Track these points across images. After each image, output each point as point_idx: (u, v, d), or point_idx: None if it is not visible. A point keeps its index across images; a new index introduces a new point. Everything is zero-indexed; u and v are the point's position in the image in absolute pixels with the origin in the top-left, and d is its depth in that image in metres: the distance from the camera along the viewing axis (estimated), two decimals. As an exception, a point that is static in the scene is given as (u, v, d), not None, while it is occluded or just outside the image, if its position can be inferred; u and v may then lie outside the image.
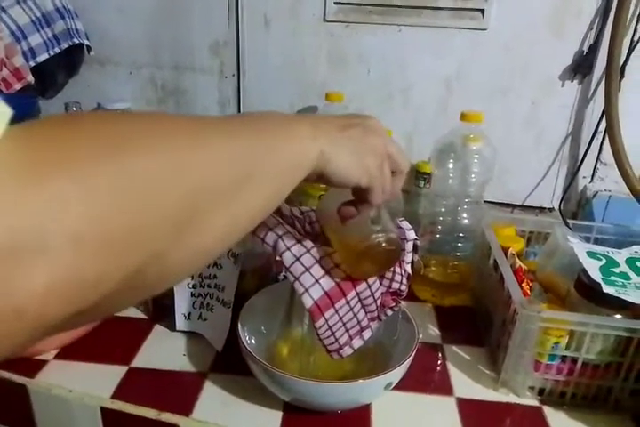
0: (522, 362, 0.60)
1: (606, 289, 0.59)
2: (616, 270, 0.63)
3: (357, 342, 0.56)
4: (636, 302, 0.58)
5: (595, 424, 0.59)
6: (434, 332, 0.74)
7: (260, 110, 1.01)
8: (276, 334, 0.64)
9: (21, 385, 0.61)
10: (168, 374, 0.64)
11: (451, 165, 0.79)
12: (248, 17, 0.98)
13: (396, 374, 0.56)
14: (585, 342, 0.58)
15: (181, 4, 1.00)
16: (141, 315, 0.75)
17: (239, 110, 1.07)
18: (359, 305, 0.54)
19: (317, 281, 0.51)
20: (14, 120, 0.21)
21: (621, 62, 0.84)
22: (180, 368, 0.65)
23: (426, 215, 0.83)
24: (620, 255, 0.67)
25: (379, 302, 0.55)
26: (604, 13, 0.85)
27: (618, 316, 0.59)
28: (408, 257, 0.58)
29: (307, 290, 0.51)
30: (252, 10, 0.98)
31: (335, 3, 0.93)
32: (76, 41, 1.02)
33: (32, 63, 0.97)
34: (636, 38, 0.84)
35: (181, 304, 0.70)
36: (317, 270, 0.52)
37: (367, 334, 0.57)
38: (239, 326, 0.60)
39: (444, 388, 0.64)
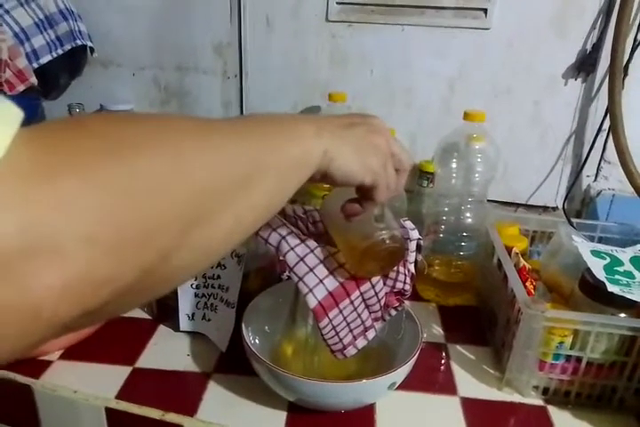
0: (526, 361, 0.60)
1: (611, 288, 0.59)
2: (620, 269, 0.63)
3: (361, 342, 0.56)
4: (640, 301, 0.57)
5: (599, 424, 0.59)
6: (438, 331, 0.74)
7: (262, 111, 1.01)
8: (280, 334, 0.65)
9: (26, 386, 0.62)
10: (172, 375, 0.64)
11: (454, 165, 0.78)
12: (250, 17, 0.98)
13: (400, 373, 0.56)
14: (589, 342, 0.58)
15: (184, 5, 1.00)
16: (145, 315, 0.75)
17: (242, 111, 1.07)
18: (363, 305, 0.54)
19: (321, 281, 0.52)
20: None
21: (625, 61, 0.83)
22: (184, 369, 0.65)
23: (429, 215, 0.83)
24: (625, 254, 0.67)
25: (382, 301, 0.55)
26: (607, 12, 0.84)
27: (622, 315, 0.59)
28: (412, 257, 0.58)
29: (311, 290, 0.51)
30: (254, 10, 0.98)
31: (337, 3, 0.93)
32: (79, 42, 1.02)
33: (35, 65, 0.97)
34: (639, 37, 0.84)
35: (185, 305, 0.70)
36: (321, 270, 0.52)
37: (371, 334, 0.57)
38: (243, 326, 0.61)
39: (449, 388, 0.64)
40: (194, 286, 0.69)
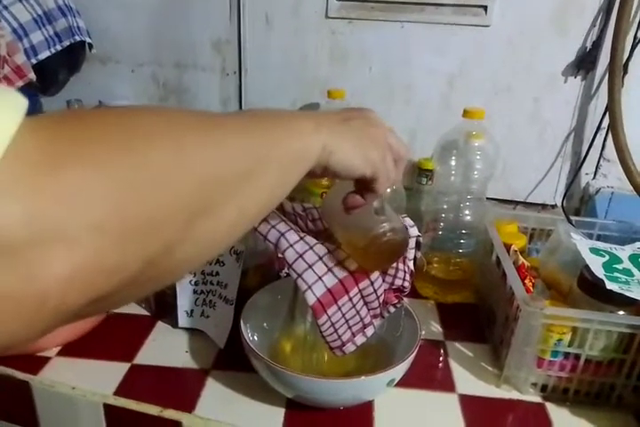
0: (524, 359, 0.60)
1: (609, 286, 0.59)
2: (619, 267, 0.63)
3: (360, 339, 0.56)
4: (638, 299, 0.57)
5: (597, 421, 0.59)
6: (436, 329, 0.74)
7: (261, 107, 1.01)
8: (279, 330, 0.65)
9: (24, 382, 0.62)
10: (171, 371, 0.64)
11: (453, 162, 0.78)
12: (250, 14, 0.98)
13: (399, 370, 0.56)
14: (588, 339, 0.58)
15: (183, 1, 1.00)
16: (144, 312, 0.75)
17: (241, 108, 1.06)
18: (362, 302, 0.54)
19: (320, 278, 0.51)
20: None
21: (624, 59, 0.83)
22: (182, 365, 0.65)
23: (428, 212, 0.83)
24: (623, 252, 0.67)
25: (381, 298, 0.55)
26: (607, 10, 0.84)
27: (621, 312, 0.59)
28: (411, 254, 0.58)
29: (309, 287, 0.51)
30: (253, 7, 0.97)
31: (337, -1, 0.93)
32: (78, 38, 1.02)
33: (34, 61, 0.96)
34: (639, 35, 0.84)
35: (184, 301, 0.70)
36: (320, 267, 0.52)
37: (370, 331, 0.57)
38: (242, 322, 0.60)
39: (447, 384, 0.64)
40: (192, 282, 0.69)
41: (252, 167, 0.32)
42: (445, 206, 0.81)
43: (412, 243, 0.57)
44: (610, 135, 0.86)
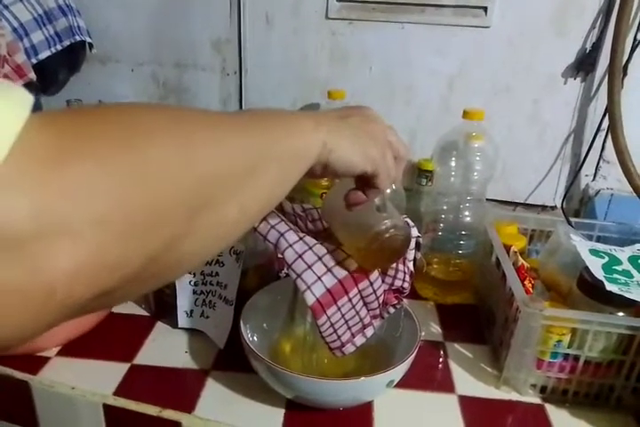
0: (524, 360, 0.60)
1: (609, 287, 0.59)
2: (619, 268, 0.63)
3: (360, 340, 0.56)
4: (638, 300, 0.57)
5: (596, 422, 0.59)
6: (436, 330, 0.74)
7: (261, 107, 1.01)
8: (279, 331, 0.65)
9: (24, 382, 0.62)
10: (170, 372, 0.64)
11: (453, 163, 0.79)
12: (250, 14, 0.98)
13: (399, 371, 0.56)
14: (587, 340, 0.58)
15: (183, 1, 1.00)
16: (144, 312, 0.75)
17: (241, 108, 1.06)
18: (361, 303, 0.54)
19: (319, 278, 0.51)
20: None
21: (624, 60, 0.83)
22: (182, 366, 0.65)
23: (428, 213, 0.83)
24: (623, 253, 0.67)
25: (381, 299, 0.55)
26: (606, 11, 0.84)
27: (620, 314, 0.59)
28: (410, 255, 0.58)
29: (309, 287, 0.51)
30: (253, 7, 0.97)
31: (338, 0, 0.93)
32: (78, 38, 1.02)
33: (34, 60, 0.96)
34: (639, 36, 0.84)
35: (184, 302, 0.70)
36: (320, 268, 0.52)
37: (369, 332, 0.57)
38: (241, 323, 0.60)
39: (446, 386, 0.64)
40: (192, 282, 0.69)
41: (253, 165, 0.32)
42: (445, 207, 0.81)
43: (411, 244, 0.57)
44: (609, 137, 0.86)
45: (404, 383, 0.60)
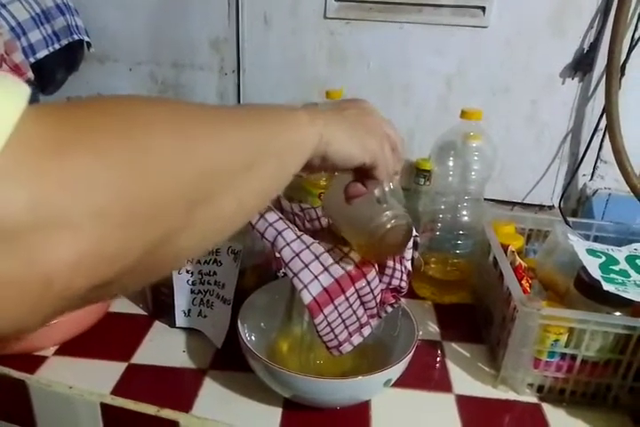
0: (521, 359, 0.60)
1: (606, 287, 0.59)
2: (616, 268, 0.63)
3: (357, 339, 0.56)
4: (635, 300, 0.58)
5: (593, 421, 0.59)
6: (433, 329, 0.74)
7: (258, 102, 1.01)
8: (276, 330, 0.65)
9: (21, 381, 0.61)
10: (168, 371, 0.64)
11: (451, 163, 0.79)
12: (248, 13, 0.98)
13: (396, 370, 0.56)
14: (584, 340, 0.58)
15: (181, 0, 1.00)
16: (141, 311, 0.75)
17: (239, 107, 1.06)
18: (358, 302, 0.54)
19: (316, 277, 0.52)
20: None
21: (622, 60, 0.83)
22: (179, 365, 0.65)
23: (426, 213, 0.83)
24: (620, 253, 0.67)
25: (378, 298, 0.55)
26: (604, 11, 0.85)
27: (617, 313, 0.59)
28: (408, 254, 0.58)
29: (305, 286, 0.51)
30: (252, 6, 0.97)
31: (336, 0, 0.93)
32: (76, 37, 1.02)
33: (32, 59, 0.96)
34: (636, 36, 0.84)
35: (181, 301, 0.70)
36: (316, 267, 0.52)
37: (367, 331, 0.57)
38: (239, 322, 0.61)
39: (444, 385, 0.64)
40: (190, 282, 0.69)
41: (251, 159, 0.32)
42: (443, 207, 0.81)
43: (409, 243, 0.57)
44: (607, 137, 0.86)
45: (402, 383, 0.60)
